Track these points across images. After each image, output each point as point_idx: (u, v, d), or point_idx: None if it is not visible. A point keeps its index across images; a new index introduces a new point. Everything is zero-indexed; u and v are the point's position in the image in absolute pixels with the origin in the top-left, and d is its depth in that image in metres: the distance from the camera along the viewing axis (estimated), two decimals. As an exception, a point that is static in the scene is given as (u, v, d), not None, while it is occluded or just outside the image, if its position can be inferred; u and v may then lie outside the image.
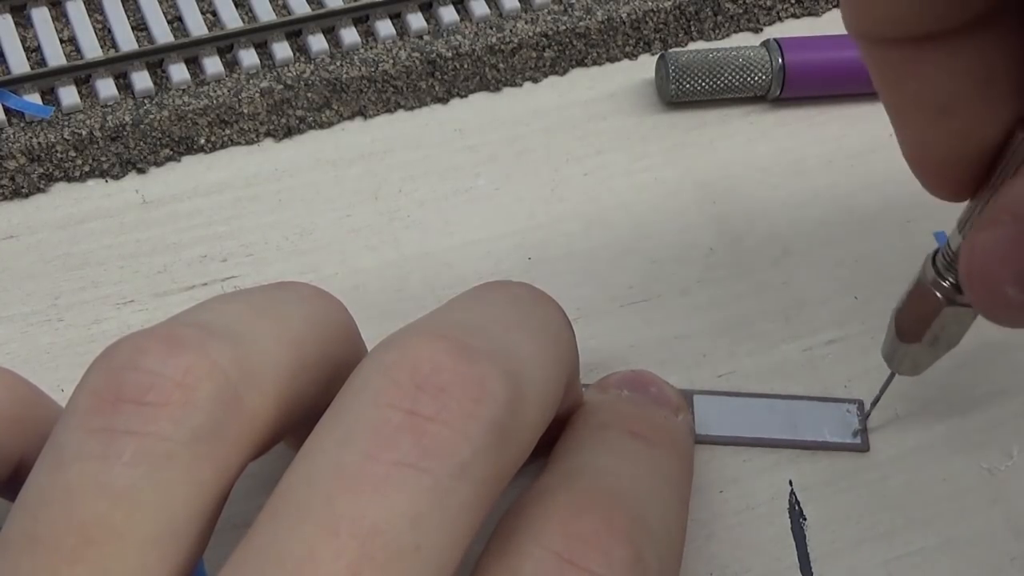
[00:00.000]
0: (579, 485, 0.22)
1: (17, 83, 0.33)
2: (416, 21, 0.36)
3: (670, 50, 0.36)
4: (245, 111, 0.34)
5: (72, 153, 0.32)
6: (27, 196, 0.32)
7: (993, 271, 0.19)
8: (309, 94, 0.34)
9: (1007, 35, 0.19)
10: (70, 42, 0.35)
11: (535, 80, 0.36)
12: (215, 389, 0.19)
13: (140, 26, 0.35)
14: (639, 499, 0.22)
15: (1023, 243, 0.18)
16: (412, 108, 0.35)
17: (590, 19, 0.36)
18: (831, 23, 0.38)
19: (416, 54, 0.35)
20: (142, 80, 0.34)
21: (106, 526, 0.17)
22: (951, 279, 0.23)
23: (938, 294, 0.23)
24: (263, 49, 0.35)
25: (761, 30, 0.38)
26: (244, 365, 0.19)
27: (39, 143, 0.32)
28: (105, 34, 0.35)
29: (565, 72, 0.36)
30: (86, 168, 0.33)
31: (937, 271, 0.23)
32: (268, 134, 0.34)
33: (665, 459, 0.24)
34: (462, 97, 0.35)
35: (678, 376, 0.29)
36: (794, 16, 0.38)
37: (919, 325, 0.24)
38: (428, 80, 0.35)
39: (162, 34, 0.35)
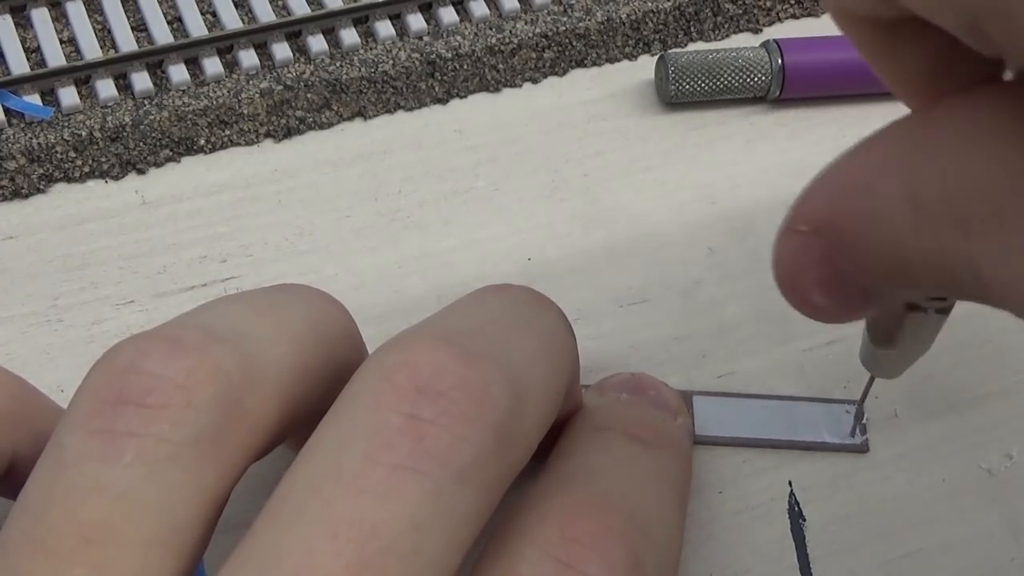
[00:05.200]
0: (577, 488, 0.22)
1: (17, 84, 0.33)
2: (416, 22, 0.36)
3: (670, 51, 0.36)
4: (245, 112, 0.34)
5: (72, 154, 0.32)
6: (27, 197, 0.32)
7: (799, 279, 0.19)
8: (309, 95, 0.34)
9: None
10: (70, 43, 0.35)
11: (535, 81, 0.36)
12: (217, 391, 0.19)
13: (140, 27, 0.35)
14: (637, 502, 0.22)
15: (820, 254, 0.18)
16: (412, 109, 0.35)
17: (590, 20, 0.36)
18: (831, 24, 0.38)
19: (416, 55, 0.35)
20: (142, 81, 0.34)
21: (106, 527, 0.17)
22: None
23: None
24: (263, 50, 0.35)
25: (761, 31, 0.38)
26: (246, 367, 0.19)
27: (39, 144, 0.32)
28: (105, 35, 0.35)
29: (565, 73, 0.36)
30: (86, 169, 0.33)
31: None
32: (268, 135, 0.34)
33: (663, 462, 0.24)
34: (462, 98, 0.35)
35: (677, 377, 0.29)
36: (793, 17, 0.38)
37: (889, 331, 0.23)
38: (428, 81, 0.35)
39: (162, 35, 0.35)
